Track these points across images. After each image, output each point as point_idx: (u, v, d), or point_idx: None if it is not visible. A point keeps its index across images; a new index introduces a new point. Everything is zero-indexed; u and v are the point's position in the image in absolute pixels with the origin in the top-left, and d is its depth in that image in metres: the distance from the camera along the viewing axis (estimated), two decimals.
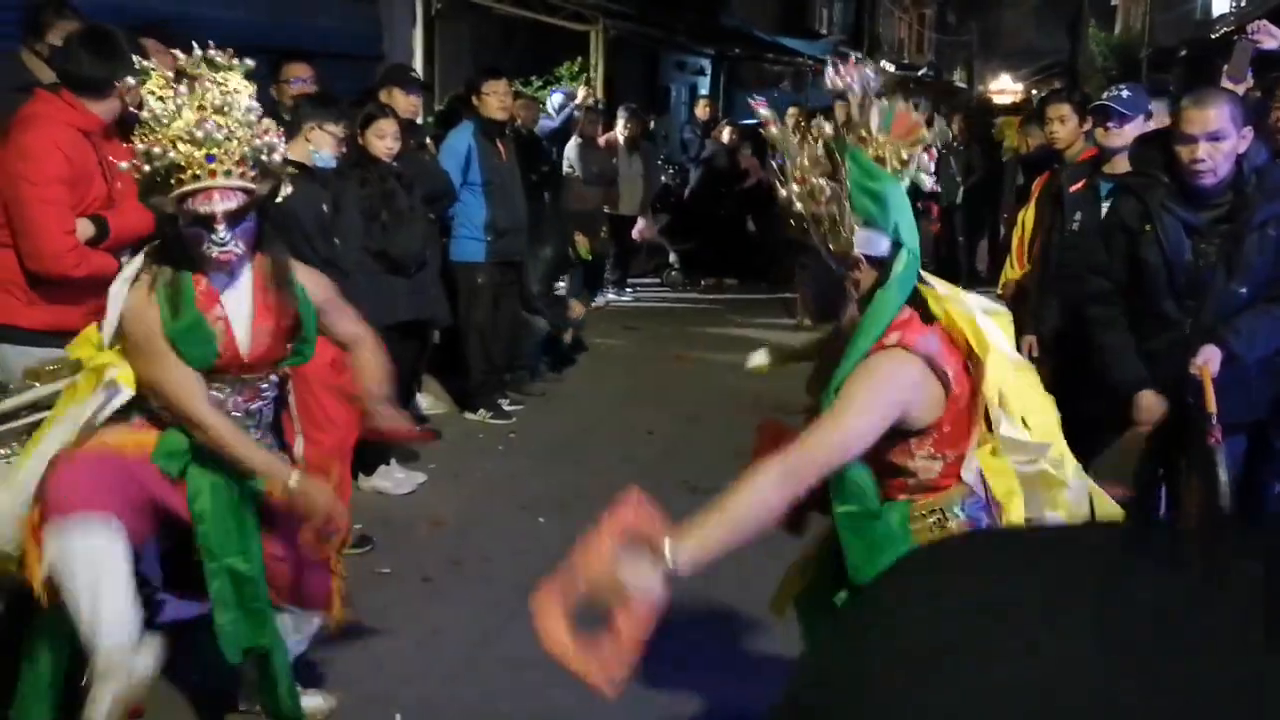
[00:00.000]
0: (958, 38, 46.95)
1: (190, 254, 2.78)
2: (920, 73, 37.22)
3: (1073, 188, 4.56)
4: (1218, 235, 3.48)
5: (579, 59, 12.21)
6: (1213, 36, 21.74)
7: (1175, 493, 3.65)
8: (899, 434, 2.20)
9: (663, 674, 3.72)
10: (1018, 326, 4.98)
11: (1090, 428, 4.00)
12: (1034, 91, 27.39)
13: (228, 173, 2.67)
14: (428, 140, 6.58)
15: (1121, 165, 4.33)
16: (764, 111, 2.33)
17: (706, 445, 6.03)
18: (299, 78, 5.33)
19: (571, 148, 9.91)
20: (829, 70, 2.27)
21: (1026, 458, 2.29)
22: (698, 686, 3.72)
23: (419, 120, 6.11)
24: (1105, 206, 4.26)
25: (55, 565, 2.69)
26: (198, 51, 2.78)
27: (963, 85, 45.81)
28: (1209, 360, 3.39)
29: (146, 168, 2.66)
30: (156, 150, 2.63)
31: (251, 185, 2.73)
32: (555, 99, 10.51)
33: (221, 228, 2.68)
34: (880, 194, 2.15)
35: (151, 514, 2.85)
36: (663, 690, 3.66)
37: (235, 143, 2.68)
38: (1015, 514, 2.25)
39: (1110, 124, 4.33)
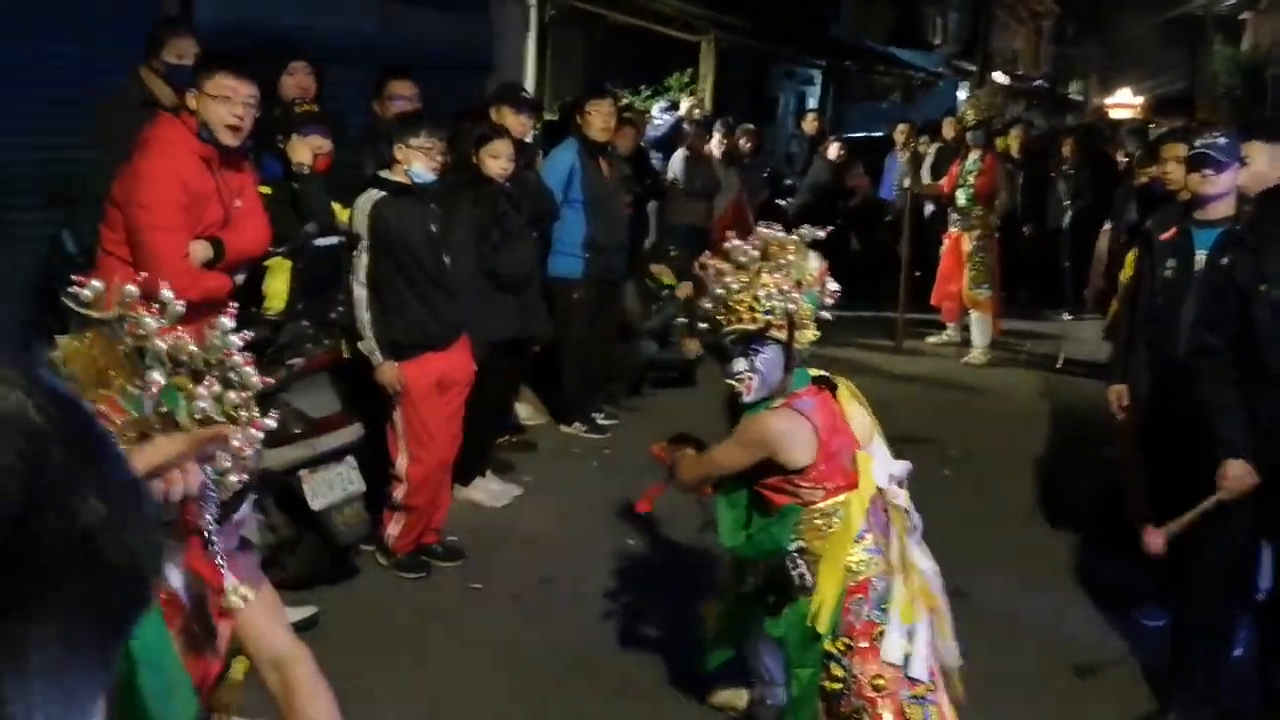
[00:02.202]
0: (1076, 49, 45.82)
1: None
2: (1035, 84, 36.45)
3: (1163, 235, 4.40)
4: None
5: (689, 70, 12.23)
6: None
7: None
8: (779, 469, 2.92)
9: None
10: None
11: (1178, 483, 3.89)
12: (1153, 122, 26.51)
13: None
14: (539, 155, 6.66)
15: (1215, 212, 4.16)
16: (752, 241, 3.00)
17: None
18: (401, 95, 5.42)
19: (677, 160, 9.92)
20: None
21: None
22: None
23: (528, 138, 6.19)
24: (1200, 255, 4.12)
25: None
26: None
27: (1079, 98, 44.72)
28: None
29: None
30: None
31: None
32: (659, 106, 10.60)
33: None
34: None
35: None
36: None
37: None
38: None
39: (1208, 171, 4.16)
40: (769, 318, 2.86)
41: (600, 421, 6.90)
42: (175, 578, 1.93)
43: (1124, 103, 39.31)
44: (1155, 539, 3.62)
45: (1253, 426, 3.50)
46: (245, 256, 4.02)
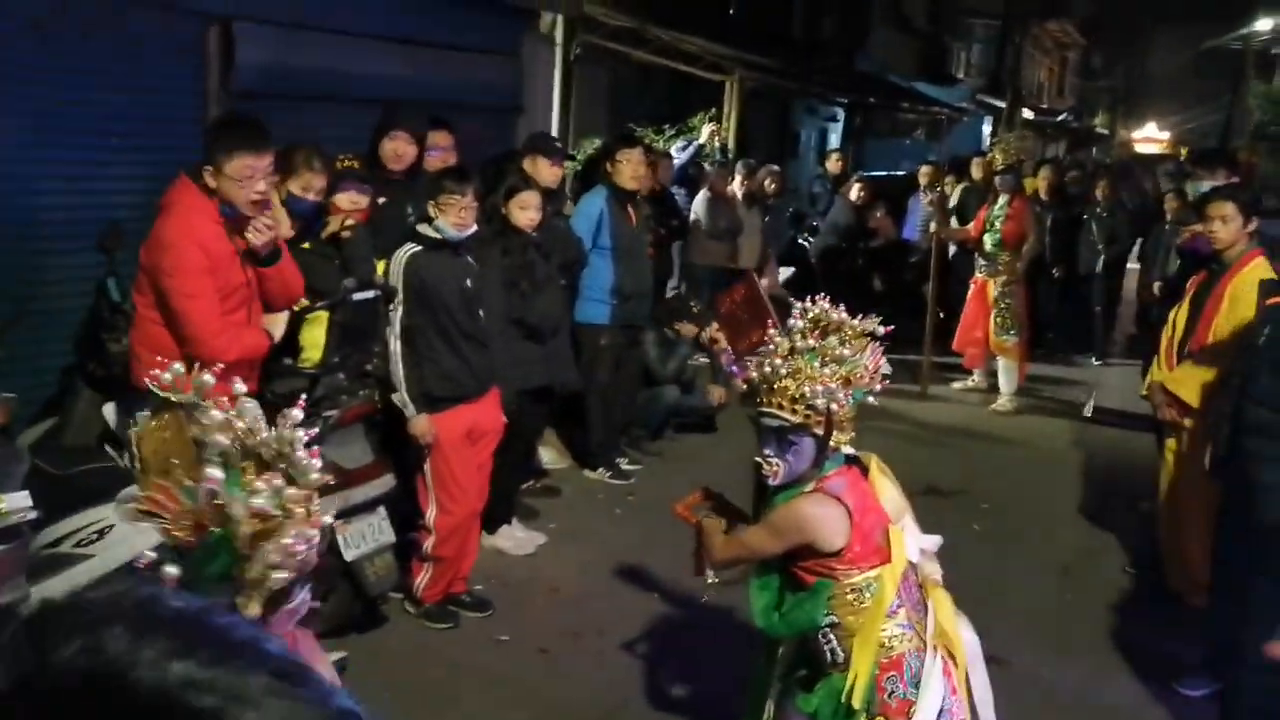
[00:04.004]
0: (1103, 83, 45.80)
1: None
2: (1060, 118, 36.44)
3: (1270, 300, 4.31)
4: None
5: (712, 109, 12.28)
6: None
7: None
8: (814, 553, 2.88)
9: None
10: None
11: (1252, 564, 3.80)
12: (1181, 149, 26.54)
13: None
14: (567, 200, 6.70)
15: None
16: (804, 311, 3.01)
17: None
18: (438, 146, 5.47)
19: (700, 201, 9.96)
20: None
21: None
22: None
23: (556, 187, 6.22)
24: None
25: None
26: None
27: (1105, 131, 44.67)
28: None
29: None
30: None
31: None
32: (677, 145, 10.69)
33: None
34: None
35: None
36: None
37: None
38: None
39: None
40: (809, 414, 2.80)
41: (624, 467, 6.90)
42: None
43: (1151, 137, 39.25)
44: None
45: None
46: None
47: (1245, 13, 30.24)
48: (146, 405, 2.34)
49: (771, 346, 2.92)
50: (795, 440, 2.84)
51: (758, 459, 2.92)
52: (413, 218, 4.92)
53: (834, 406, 2.80)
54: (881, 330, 2.96)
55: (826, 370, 2.81)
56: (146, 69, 5.56)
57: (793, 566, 2.97)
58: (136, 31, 5.51)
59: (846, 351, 2.86)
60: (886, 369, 2.96)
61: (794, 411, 2.81)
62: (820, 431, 2.82)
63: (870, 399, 2.94)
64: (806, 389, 2.79)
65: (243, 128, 3.91)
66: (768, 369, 2.85)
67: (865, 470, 3.00)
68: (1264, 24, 29.41)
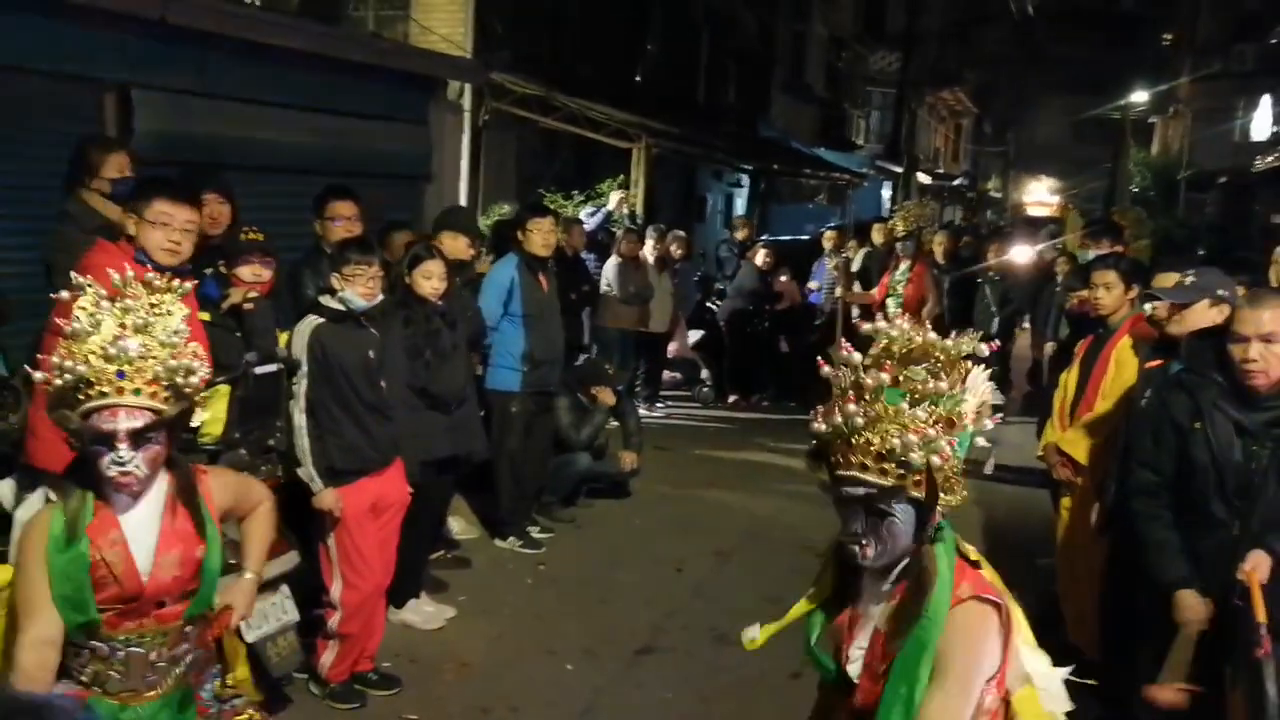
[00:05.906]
0: (994, 148, 47.46)
1: (93, 475, 2.64)
2: (955, 182, 37.65)
3: (1149, 364, 4.46)
4: (1270, 438, 3.38)
5: (620, 175, 12.44)
6: (1253, 169, 21.91)
7: (1219, 703, 3.51)
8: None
9: None
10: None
11: (1139, 619, 3.89)
12: (1070, 208, 27.69)
13: (136, 391, 2.53)
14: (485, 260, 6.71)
15: None
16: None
17: (736, 585, 6.02)
18: (342, 216, 5.41)
19: (610, 266, 10.06)
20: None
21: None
22: None
23: (477, 262, 6.22)
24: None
25: None
26: (131, 273, 2.66)
27: (998, 195, 46.24)
28: (1258, 566, 3.26)
29: (58, 380, 2.53)
30: (69, 363, 2.52)
31: (160, 406, 2.57)
32: (586, 211, 10.81)
33: (123, 447, 2.55)
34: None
35: None
36: None
37: (150, 361, 2.55)
38: None
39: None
40: (902, 473, 2.16)
41: (535, 535, 6.85)
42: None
43: (1041, 200, 40.72)
44: (1168, 695, 3.40)
45: (1195, 565, 3.49)
46: None
47: (1123, 84, 31.93)
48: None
49: (841, 387, 2.25)
50: (889, 510, 2.20)
51: (842, 539, 2.28)
52: None
53: (936, 460, 2.15)
54: (985, 349, 2.29)
55: (920, 412, 2.17)
56: (38, 137, 5.45)
57: None
58: (27, 97, 5.40)
59: (943, 384, 2.20)
60: (997, 398, 2.37)
61: (882, 473, 2.16)
62: (920, 494, 2.18)
63: (980, 440, 2.28)
64: (895, 441, 2.14)
65: (166, 180, 4.12)
66: (839, 419, 2.19)
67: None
68: (1139, 96, 31.05)
